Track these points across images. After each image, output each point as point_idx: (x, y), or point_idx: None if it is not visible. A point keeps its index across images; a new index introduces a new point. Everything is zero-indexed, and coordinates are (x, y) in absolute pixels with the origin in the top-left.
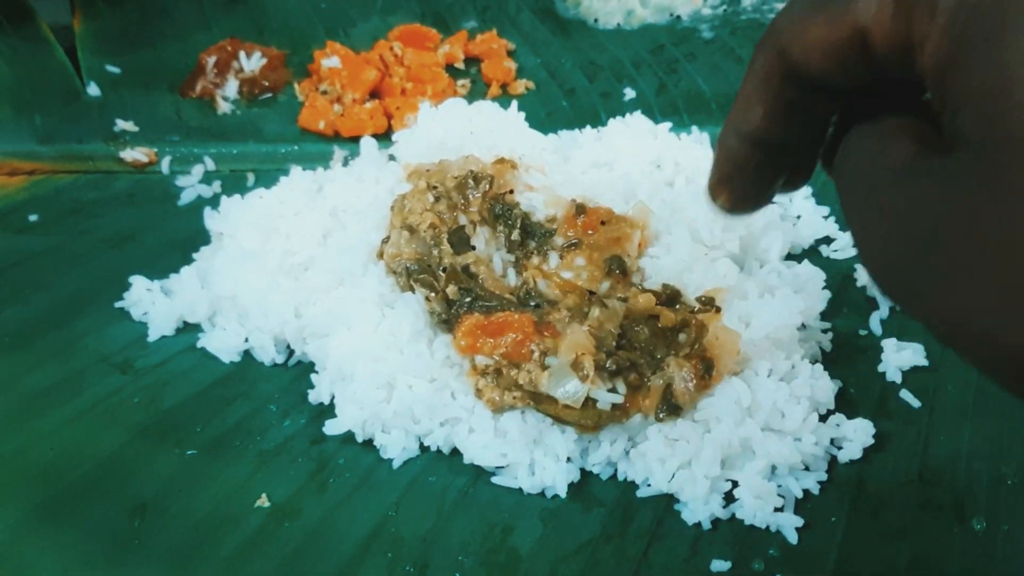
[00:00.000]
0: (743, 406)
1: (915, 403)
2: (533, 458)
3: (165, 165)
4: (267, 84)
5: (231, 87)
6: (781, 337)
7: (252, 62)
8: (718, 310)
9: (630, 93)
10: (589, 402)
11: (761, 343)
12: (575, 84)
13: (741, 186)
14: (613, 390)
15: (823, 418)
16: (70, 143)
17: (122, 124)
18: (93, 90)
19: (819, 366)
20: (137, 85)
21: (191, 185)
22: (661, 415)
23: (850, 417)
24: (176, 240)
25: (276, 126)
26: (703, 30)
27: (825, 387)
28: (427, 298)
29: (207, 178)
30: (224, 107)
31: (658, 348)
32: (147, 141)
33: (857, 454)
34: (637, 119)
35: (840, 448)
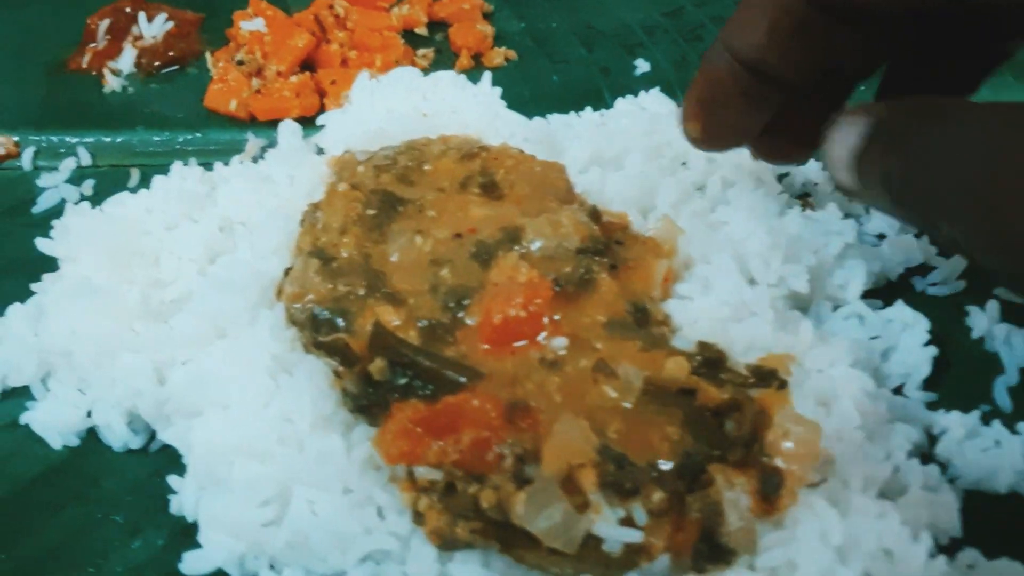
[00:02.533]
0: (831, 544)
1: None
2: None
3: (27, 159)
4: (172, 54)
5: (126, 58)
6: (871, 422)
7: (155, 27)
8: (784, 385)
9: (643, 66)
10: (591, 541)
11: (848, 435)
12: (569, 55)
13: (721, 115)
14: (628, 520)
15: (947, 550)
16: None
17: None
18: None
19: (934, 468)
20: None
21: (55, 185)
22: (703, 562)
23: (985, 549)
24: (18, 261)
25: (177, 108)
26: None
27: (947, 503)
28: (336, 373)
29: (78, 175)
30: (113, 83)
31: (695, 445)
32: (6, 127)
33: None
34: (653, 99)
35: None
